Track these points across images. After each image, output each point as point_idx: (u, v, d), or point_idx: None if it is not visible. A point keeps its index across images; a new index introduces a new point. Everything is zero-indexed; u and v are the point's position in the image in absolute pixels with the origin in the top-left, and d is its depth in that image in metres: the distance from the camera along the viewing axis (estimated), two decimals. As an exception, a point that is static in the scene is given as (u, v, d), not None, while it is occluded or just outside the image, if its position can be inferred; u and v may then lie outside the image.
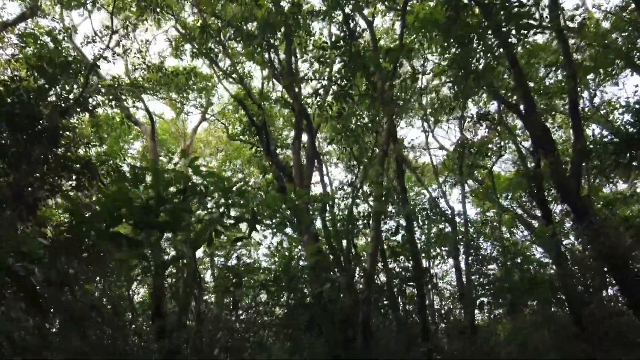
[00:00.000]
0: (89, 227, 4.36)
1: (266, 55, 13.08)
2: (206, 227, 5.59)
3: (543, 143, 10.72)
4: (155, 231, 4.81)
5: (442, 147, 20.51)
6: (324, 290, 6.87)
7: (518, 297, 10.02)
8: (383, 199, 8.16)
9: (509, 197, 18.98)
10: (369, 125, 9.74)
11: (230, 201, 5.45)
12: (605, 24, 15.82)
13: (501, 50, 11.35)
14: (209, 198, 5.43)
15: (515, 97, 13.53)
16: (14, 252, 4.81)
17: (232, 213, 5.55)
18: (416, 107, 16.89)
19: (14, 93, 9.12)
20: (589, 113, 16.82)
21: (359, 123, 10.15)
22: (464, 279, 11.19)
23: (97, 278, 11.50)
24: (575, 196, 10.53)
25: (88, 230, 4.38)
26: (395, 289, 11.17)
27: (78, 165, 10.66)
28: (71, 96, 11.45)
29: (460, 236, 11.15)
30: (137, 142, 20.90)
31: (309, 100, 12.94)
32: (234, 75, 15.09)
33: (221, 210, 5.40)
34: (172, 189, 4.77)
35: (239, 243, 23.57)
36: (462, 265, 11.27)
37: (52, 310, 9.74)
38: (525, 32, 11.71)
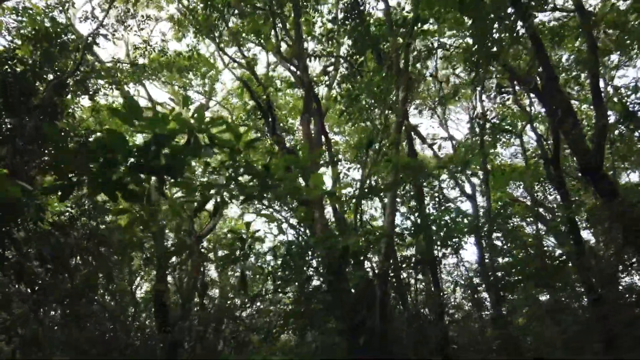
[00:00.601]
0: (78, 168, 3.79)
1: (273, 37, 12.59)
2: (211, 192, 5.04)
3: (566, 120, 10.15)
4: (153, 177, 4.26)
5: (452, 138, 19.96)
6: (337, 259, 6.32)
7: (541, 280, 9.47)
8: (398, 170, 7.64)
9: (521, 186, 18.42)
10: (382, 97, 9.22)
11: (241, 155, 4.85)
12: (622, 6, 15.31)
13: (519, 26, 10.85)
14: (215, 151, 4.79)
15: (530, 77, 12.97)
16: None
17: (240, 178, 4.99)
18: (425, 96, 16.39)
19: (7, 63, 8.67)
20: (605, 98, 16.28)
21: (372, 96, 9.62)
22: (484, 262, 10.60)
23: (99, 274, 10.99)
24: (598, 175, 9.99)
25: (77, 173, 3.80)
26: (404, 279, 10.62)
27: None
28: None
29: (480, 218, 10.60)
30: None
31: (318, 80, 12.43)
32: (238, 58, 14.60)
33: (229, 171, 4.85)
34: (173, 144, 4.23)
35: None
36: (483, 248, 10.66)
37: (50, 299, 9.26)
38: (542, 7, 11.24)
